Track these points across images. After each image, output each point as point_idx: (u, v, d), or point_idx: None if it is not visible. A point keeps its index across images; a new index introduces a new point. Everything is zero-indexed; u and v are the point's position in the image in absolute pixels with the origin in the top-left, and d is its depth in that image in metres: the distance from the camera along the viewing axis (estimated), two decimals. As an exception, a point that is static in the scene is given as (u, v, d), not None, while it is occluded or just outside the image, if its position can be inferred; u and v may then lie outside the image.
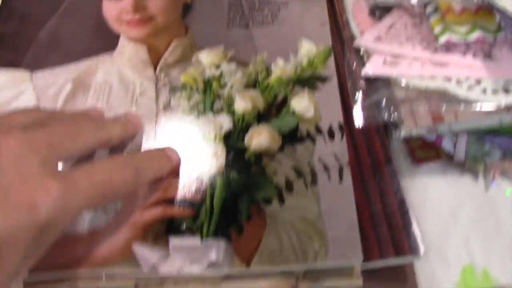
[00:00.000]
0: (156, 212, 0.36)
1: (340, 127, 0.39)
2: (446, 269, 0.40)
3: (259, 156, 0.37)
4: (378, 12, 0.45)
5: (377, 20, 0.45)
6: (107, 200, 0.31)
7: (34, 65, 0.42)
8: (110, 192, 0.30)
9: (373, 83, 0.42)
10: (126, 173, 0.31)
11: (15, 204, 0.26)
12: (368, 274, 0.36)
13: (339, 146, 0.38)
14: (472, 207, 0.42)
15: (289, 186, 0.37)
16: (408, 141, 0.44)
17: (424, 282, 0.39)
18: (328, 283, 0.35)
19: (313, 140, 0.38)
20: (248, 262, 0.34)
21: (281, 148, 0.38)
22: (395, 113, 0.40)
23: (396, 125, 0.41)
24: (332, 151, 0.38)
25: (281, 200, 0.36)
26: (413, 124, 0.41)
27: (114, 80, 0.42)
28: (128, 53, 0.43)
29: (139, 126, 0.38)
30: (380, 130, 0.42)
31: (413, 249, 0.36)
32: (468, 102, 0.40)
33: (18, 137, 0.28)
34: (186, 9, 0.46)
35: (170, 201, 0.36)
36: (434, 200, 0.42)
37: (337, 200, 0.36)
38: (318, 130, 0.39)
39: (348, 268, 0.35)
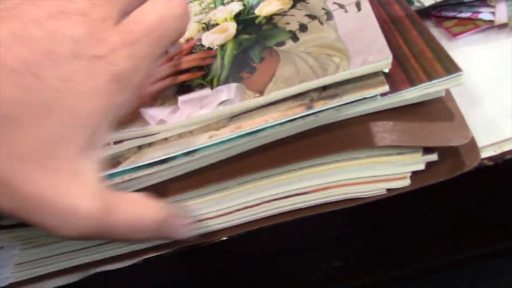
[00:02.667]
0: (165, 82, 0.34)
1: None
2: (506, 112, 0.33)
3: (270, 17, 0.36)
4: None
5: None
6: (165, 40, 0.29)
7: None
8: (166, 31, 0.29)
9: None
10: (176, 8, 0.30)
11: (83, 56, 0.26)
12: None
13: None
14: (526, 59, 0.36)
15: (303, 28, 0.34)
16: (441, 22, 0.40)
17: (482, 130, 0.32)
18: (348, 97, 0.30)
19: None
20: (261, 92, 0.31)
21: (293, 6, 0.36)
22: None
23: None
24: None
25: (295, 39, 0.33)
26: (437, -16, 0.38)
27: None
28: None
29: None
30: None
31: (448, 70, 0.31)
32: None
33: None
34: None
35: (180, 72, 0.35)
36: (481, 64, 0.37)
37: (356, 23, 0.33)
38: None
39: (372, 77, 0.30)
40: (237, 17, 0.37)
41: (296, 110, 0.30)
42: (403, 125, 0.31)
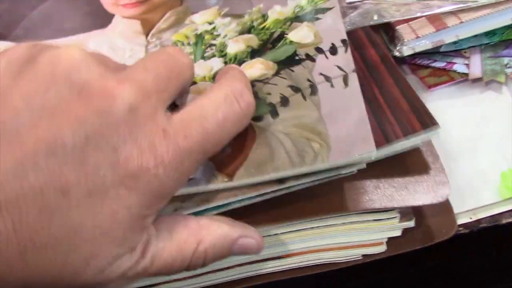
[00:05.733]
0: None
1: (343, 42, 0.34)
2: (482, 177, 0.33)
3: (252, 83, 0.33)
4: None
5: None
6: (222, 143, 0.25)
7: (22, 38, 0.42)
8: (225, 134, 0.25)
9: (358, 4, 0.39)
10: (239, 104, 0.25)
11: (125, 171, 0.21)
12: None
13: (343, 59, 0.33)
14: (500, 117, 0.36)
15: (284, 101, 0.32)
16: (415, 71, 0.40)
17: (457, 194, 0.32)
18: (323, 175, 0.28)
19: (312, 60, 0.34)
20: (231, 176, 0.28)
21: (276, 73, 0.33)
22: (390, 18, 0.37)
23: (396, 44, 0.38)
24: (335, 65, 0.33)
25: (275, 114, 0.31)
26: (414, 36, 0.37)
27: (104, 48, 0.41)
28: (121, 27, 0.43)
29: None
30: (372, 40, 0.37)
31: (425, 124, 0.30)
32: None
33: (129, 81, 0.22)
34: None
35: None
36: (455, 120, 0.37)
37: (341, 102, 0.31)
38: (319, 50, 0.34)
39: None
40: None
41: (267, 186, 0.28)
42: (378, 184, 0.31)
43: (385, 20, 0.37)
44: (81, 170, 0.20)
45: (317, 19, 0.36)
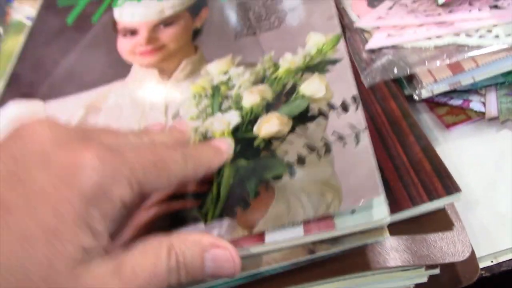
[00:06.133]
0: (158, 209, 0.33)
1: (354, 99, 0.35)
2: (501, 220, 0.34)
3: (269, 141, 0.35)
4: (377, 2, 0.45)
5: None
6: (156, 177, 0.27)
7: (48, 96, 0.43)
8: (159, 168, 0.27)
9: (378, 53, 0.40)
10: (176, 155, 0.28)
11: (57, 165, 0.24)
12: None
13: (354, 117, 0.34)
14: (518, 157, 0.37)
15: (301, 161, 0.33)
16: (433, 109, 0.41)
17: (478, 237, 0.33)
18: (350, 243, 0.30)
19: (325, 116, 0.35)
20: (251, 229, 0.31)
21: (292, 129, 0.35)
22: (409, 71, 0.38)
23: (414, 87, 0.39)
24: (347, 122, 0.34)
25: (292, 174, 0.33)
26: (432, 79, 0.38)
27: (125, 100, 0.43)
28: (140, 77, 0.44)
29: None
30: (393, 92, 0.39)
31: (448, 189, 0.32)
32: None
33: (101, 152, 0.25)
34: (196, 32, 0.47)
35: (174, 196, 0.33)
36: (474, 160, 0.38)
37: (353, 158, 0.32)
38: (331, 106, 0.36)
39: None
40: (235, 133, 0.36)
41: (298, 253, 0.30)
42: (405, 241, 0.32)
43: (405, 74, 0.38)
44: (16, 185, 0.23)
45: (327, 70, 0.37)
